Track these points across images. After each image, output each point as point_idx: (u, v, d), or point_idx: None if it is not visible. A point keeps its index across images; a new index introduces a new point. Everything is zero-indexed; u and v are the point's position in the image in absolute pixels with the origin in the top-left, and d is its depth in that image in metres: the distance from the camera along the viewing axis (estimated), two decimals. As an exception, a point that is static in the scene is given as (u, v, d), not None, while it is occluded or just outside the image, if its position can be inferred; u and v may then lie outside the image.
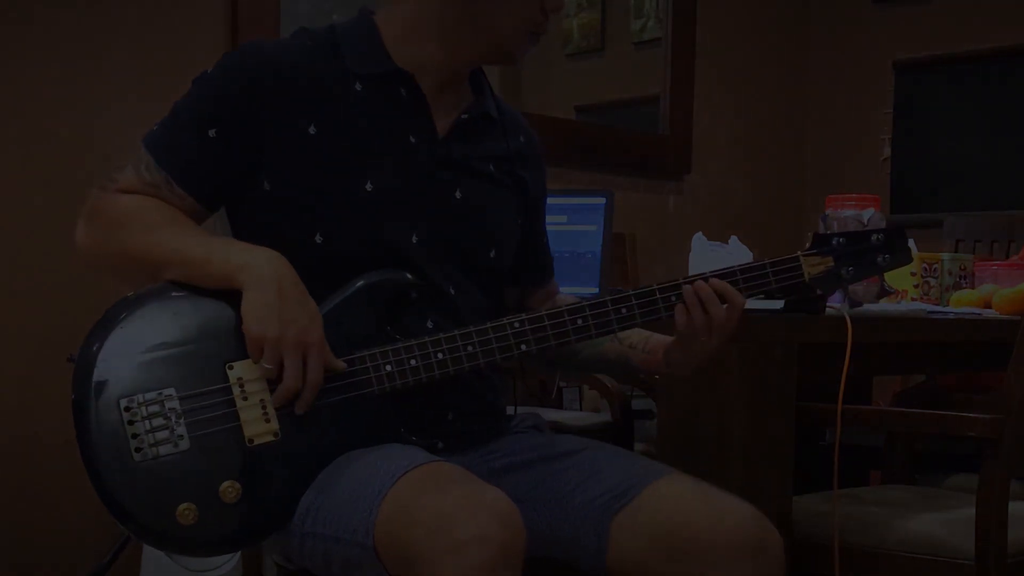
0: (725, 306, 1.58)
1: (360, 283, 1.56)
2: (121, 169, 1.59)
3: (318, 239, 1.56)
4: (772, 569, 1.51)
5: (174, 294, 1.51)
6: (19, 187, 2.67)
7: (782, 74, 4.51)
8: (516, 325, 1.56)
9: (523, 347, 1.56)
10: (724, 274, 1.60)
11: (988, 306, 2.31)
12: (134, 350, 1.47)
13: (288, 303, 1.47)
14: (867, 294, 1.89)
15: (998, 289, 2.32)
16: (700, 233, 2.35)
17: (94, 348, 1.46)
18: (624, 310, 1.58)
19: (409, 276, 1.59)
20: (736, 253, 2.24)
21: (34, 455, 2.65)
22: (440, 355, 1.53)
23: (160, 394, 1.45)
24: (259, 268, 1.48)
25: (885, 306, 2.17)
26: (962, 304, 2.35)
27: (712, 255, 2.23)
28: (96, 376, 1.45)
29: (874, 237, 1.65)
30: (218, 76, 1.59)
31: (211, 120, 1.56)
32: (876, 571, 1.97)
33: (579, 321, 1.58)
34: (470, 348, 1.54)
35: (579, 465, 1.62)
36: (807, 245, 1.65)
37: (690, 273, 1.62)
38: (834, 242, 1.64)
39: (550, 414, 3.06)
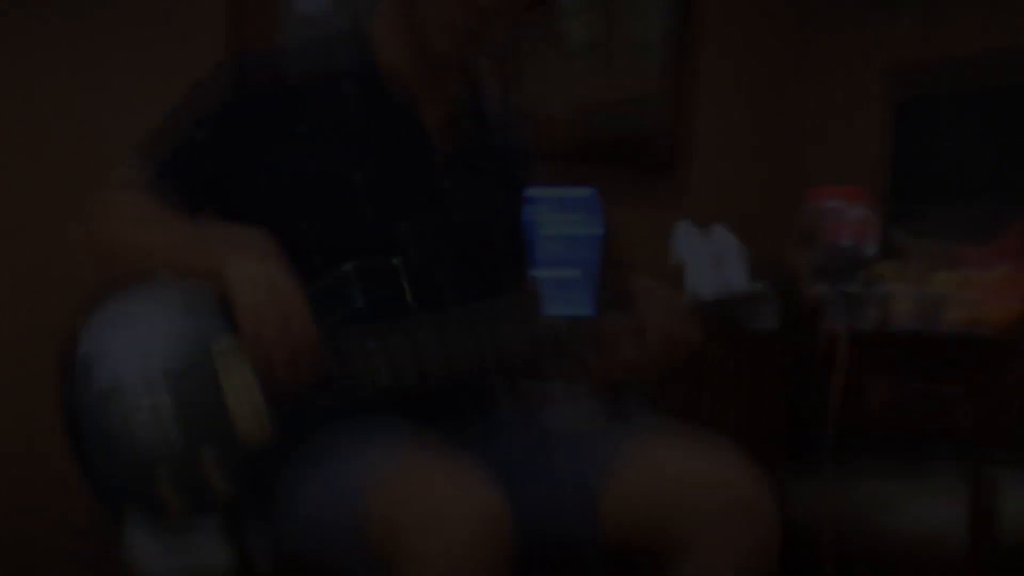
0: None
1: (348, 270, 1.56)
2: (117, 172, 1.64)
3: (305, 229, 1.58)
4: (764, 526, 1.52)
5: (163, 282, 1.53)
6: (12, 184, 2.68)
7: (779, 75, 4.51)
8: (509, 325, 1.57)
9: (515, 345, 1.57)
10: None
11: (969, 287, 2.29)
12: (123, 338, 1.48)
13: (278, 299, 1.47)
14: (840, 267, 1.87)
15: (978, 274, 2.30)
16: (685, 221, 2.33)
17: (82, 339, 1.48)
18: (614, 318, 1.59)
19: (397, 263, 1.59)
20: (721, 240, 2.23)
21: (17, 443, 2.66)
22: (433, 351, 1.54)
23: (149, 384, 1.47)
24: (238, 243, 1.50)
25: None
26: (943, 286, 2.33)
27: (697, 243, 2.22)
28: (82, 365, 1.47)
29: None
30: (209, 83, 1.63)
31: (200, 123, 1.61)
32: (868, 560, 1.98)
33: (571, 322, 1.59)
34: (463, 344, 1.55)
35: (566, 438, 1.64)
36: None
37: (674, 260, 1.63)
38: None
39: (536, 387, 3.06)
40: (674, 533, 1.51)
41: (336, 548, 1.46)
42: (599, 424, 1.68)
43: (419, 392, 1.55)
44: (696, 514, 1.50)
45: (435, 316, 1.58)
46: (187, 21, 2.94)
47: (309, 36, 1.70)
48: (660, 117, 4.06)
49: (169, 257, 1.53)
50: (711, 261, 1.60)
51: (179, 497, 1.46)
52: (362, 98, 1.64)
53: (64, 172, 2.72)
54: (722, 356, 1.92)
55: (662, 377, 2.04)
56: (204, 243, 1.53)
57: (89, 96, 2.77)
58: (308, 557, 1.54)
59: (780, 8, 4.52)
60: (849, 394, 2.41)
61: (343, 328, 1.53)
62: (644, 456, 1.56)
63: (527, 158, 1.84)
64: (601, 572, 1.61)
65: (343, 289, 1.56)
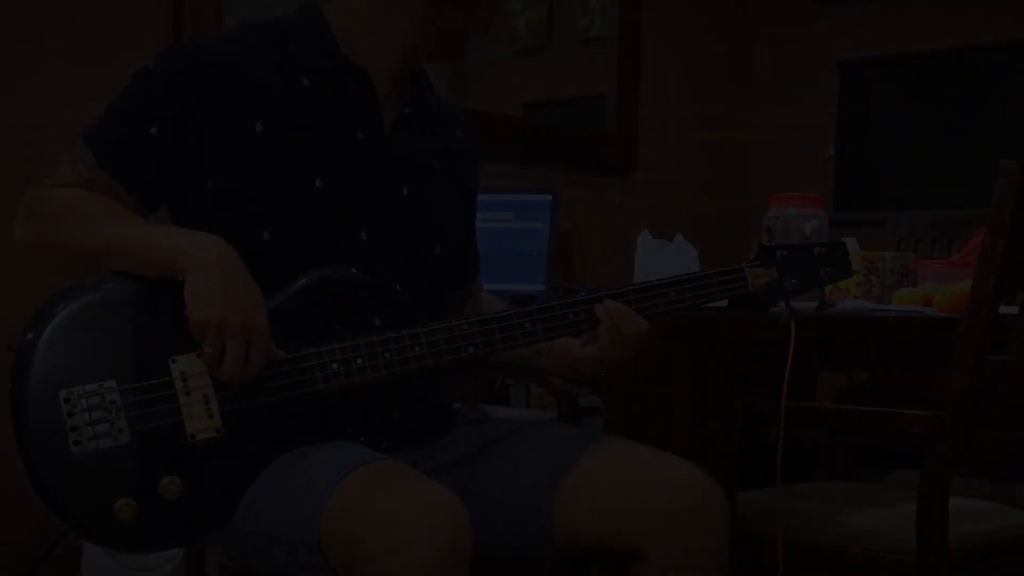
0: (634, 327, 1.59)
1: (307, 280, 1.55)
2: (59, 164, 1.57)
3: (265, 236, 1.55)
4: (717, 528, 1.53)
5: (116, 285, 1.50)
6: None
7: (727, 73, 4.53)
8: (464, 327, 1.56)
9: (471, 349, 1.56)
10: (671, 283, 1.63)
11: (929, 304, 2.33)
12: (74, 341, 1.45)
13: (231, 287, 1.45)
14: (807, 305, 1.91)
15: (939, 287, 2.34)
16: (646, 231, 2.36)
17: (33, 338, 1.44)
18: (572, 314, 1.59)
19: (356, 273, 1.58)
20: (681, 251, 2.25)
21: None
22: (387, 355, 1.53)
23: (101, 386, 1.44)
24: (202, 253, 1.46)
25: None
26: (904, 302, 2.37)
27: (658, 253, 2.24)
28: (35, 367, 1.43)
29: (817, 250, 1.70)
30: (158, 72, 1.57)
31: (152, 117, 1.54)
32: (820, 565, 1.99)
33: (527, 325, 1.58)
34: (417, 348, 1.54)
35: (518, 444, 1.63)
36: (751, 256, 1.68)
37: (636, 272, 1.63)
38: (778, 254, 1.68)
39: (497, 411, 3.06)
40: (627, 537, 1.52)
41: (292, 562, 1.44)
42: (554, 427, 1.67)
43: (370, 387, 1.53)
44: (649, 519, 1.51)
45: (392, 323, 1.57)
46: (130, 15, 2.88)
47: (257, 22, 1.64)
48: (612, 117, 4.06)
49: (124, 254, 1.50)
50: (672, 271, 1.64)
51: (139, 528, 1.44)
52: (323, 94, 1.60)
53: (2, 167, 2.66)
54: (672, 359, 1.92)
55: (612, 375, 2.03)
56: (159, 237, 1.50)
57: (28, 91, 2.72)
58: (260, 570, 1.52)
59: (727, 4, 4.54)
60: (803, 394, 2.43)
61: (299, 333, 1.51)
62: (599, 460, 1.56)
63: (475, 162, 1.82)
64: (555, 572, 1.61)
65: (301, 299, 1.54)
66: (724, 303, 1.83)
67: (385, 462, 1.45)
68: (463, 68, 3.73)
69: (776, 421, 1.89)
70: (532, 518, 1.56)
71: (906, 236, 3.37)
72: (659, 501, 1.51)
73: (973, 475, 2.35)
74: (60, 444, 1.42)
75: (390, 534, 1.32)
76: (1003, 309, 1.89)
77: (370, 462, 1.43)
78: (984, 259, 1.85)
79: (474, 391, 3.09)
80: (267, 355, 1.47)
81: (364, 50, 1.62)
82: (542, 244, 2.66)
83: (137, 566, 2.50)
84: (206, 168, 1.56)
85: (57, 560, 2.50)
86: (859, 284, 2.41)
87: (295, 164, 1.57)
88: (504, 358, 1.74)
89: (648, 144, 4.14)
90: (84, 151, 1.56)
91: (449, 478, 1.53)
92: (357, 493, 1.38)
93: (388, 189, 1.64)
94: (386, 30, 1.62)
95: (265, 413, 1.49)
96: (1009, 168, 1.83)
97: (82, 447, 1.42)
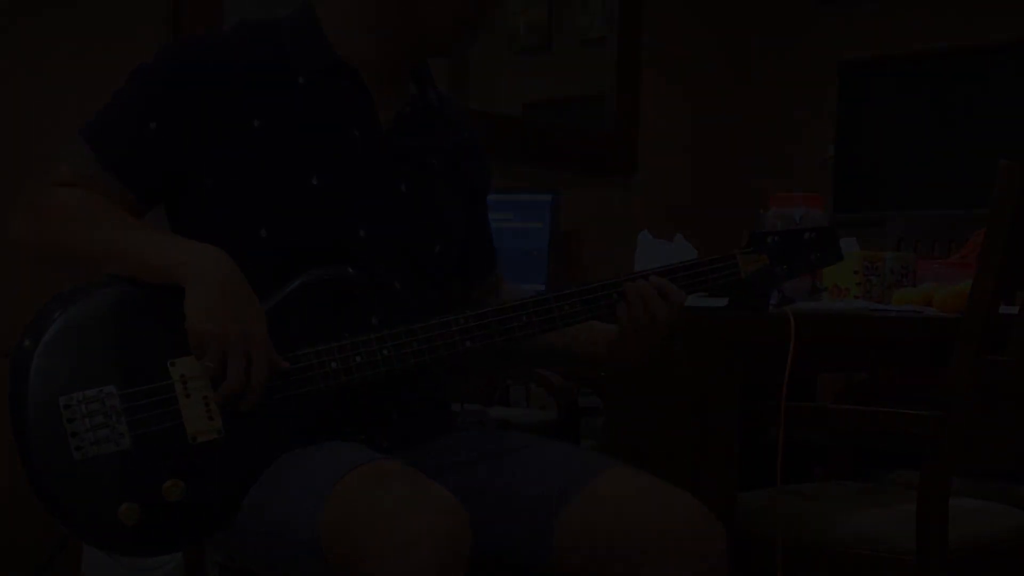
0: (666, 303, 1.60)
1: (303, 280, 1.55)
2: (57, 161, 1.57)
3: (263, 234, 1.55)
4: (716, 564, 1.52)
5: (113, 290, 1.50)
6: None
7: (728, 73, 4.53)
8: (461, 321, 1.56)
9: (468, 343, 1.56)
10: (664, 272, 1.63)
11: (929, 304, 2.33)
12: (72, 347, 1.45)
13: (231, 300, 1.45)
14: (798, 291, 1.92)
15: (939, 288, 2.34)
16: (646, 231, 2.36)
17: (31, 345, 1.44)
18: (567, 307, 1.59)
19: (352, 271, 1.58)
20: (681, 250, 2.26)
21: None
22: (385, 351, 1.53)
23: (100, 391, 1.44)
24: (202, 265, 1.46)
25: (828, 304, 2.19)
26: (904, 302, 2.37)
27: (657, 252, 2.25)
28: (33, 374, 1.43)
29: (807, 235, 1.71)
30: (158, 70, 1.57)
31: (151, 114, 1.54)
32: (819, 565, 1.99)
33: (523, 318, 1.58)
34: (415, 345, 1.54)
35: (523, 462, 1.63)
36: (743, 243, 1.69)
37: (636, 270, 1.64)
38: (769, 240, 1.69)
39: (497, 411, 3.06)
40: (627, 566, 1.51)
41: (292, 562, 1.44)
42: (560, 446, 1.67)
43: (370, 386, 1.53)
44: (649, 549, 1.50)
45: (390, 321, 1.57)
46: (129, 16, 2.88)
47: (255, 22, 1.65)
48: (612, 117, 4.06)
49: (123, 260, 1.49)
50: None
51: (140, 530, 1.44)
52: (318, 93, 1.61)
53: (2, 169, 2.66)
54: (672, 360, 1.92)
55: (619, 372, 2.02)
56: (159, 245, 1.49)
57: (28, 92, 2.72)
58: (260, 570, 1.52)
59: (727, 5, 4.53)
60: (802, 394, 2.43)
61: (297, 334, 1.51)
62: (599, 488, 1.55)
63: (482, 159, 1.82)
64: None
65: (298, 298, 1.54)
66: (724, 302, 1.84)
67: (385, 462, 1.45)
68: (463, 68, 3.73)
69: (776, 421, 1.89)
70: (534, 534, 1.56)
71: (906, 236, 3.37)
72: (662, 535, 1.50)
73: (973, 475, 2.35)
74: (61, 450, 1.41)
75: (390, 534, 1.32)
76: (1003, 309, 1.89)
77: (370, 462, 1.43)
78: (984, 259, 1.85)
79: (474, 391, 3.09)
80: (270, 366, 1.47)
81: (354, 49, 1.62)
82: (542, 244, 2.66)
83: (137, 566, 2.50)
84: (204, 165, 1.56)
85: (58, 561, 2.50)
86: (859, 284, 2.41)
87: (291, 162, 1.57)
88: (535, 346, 1.74)
89: (648, 144, 4.14)
90: (82, 147, 1.56)
91: (450, 479, 1.53)
92: (357, 493, 1.38)
93: (386, 186, 1.64)
94: (373, 29, 1.62)
95: (265, 413, 1.49)
96: (1009, 168, 1.83)
97: (83, 453, 1.42)
